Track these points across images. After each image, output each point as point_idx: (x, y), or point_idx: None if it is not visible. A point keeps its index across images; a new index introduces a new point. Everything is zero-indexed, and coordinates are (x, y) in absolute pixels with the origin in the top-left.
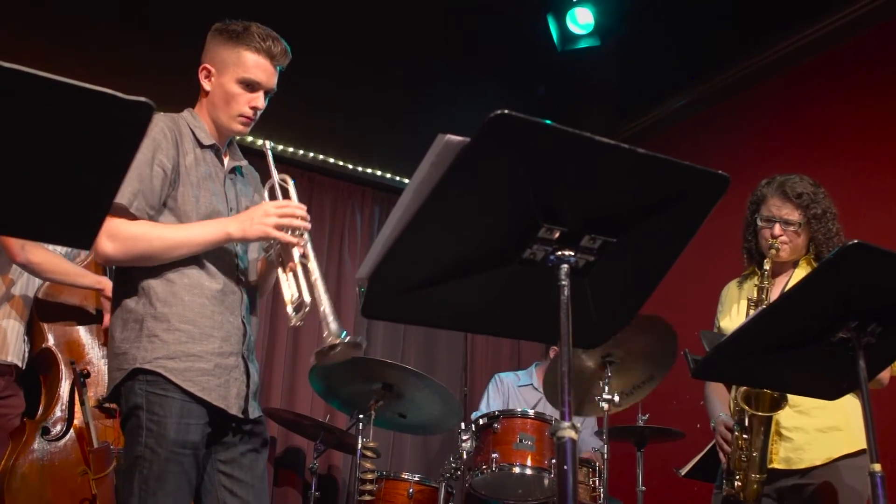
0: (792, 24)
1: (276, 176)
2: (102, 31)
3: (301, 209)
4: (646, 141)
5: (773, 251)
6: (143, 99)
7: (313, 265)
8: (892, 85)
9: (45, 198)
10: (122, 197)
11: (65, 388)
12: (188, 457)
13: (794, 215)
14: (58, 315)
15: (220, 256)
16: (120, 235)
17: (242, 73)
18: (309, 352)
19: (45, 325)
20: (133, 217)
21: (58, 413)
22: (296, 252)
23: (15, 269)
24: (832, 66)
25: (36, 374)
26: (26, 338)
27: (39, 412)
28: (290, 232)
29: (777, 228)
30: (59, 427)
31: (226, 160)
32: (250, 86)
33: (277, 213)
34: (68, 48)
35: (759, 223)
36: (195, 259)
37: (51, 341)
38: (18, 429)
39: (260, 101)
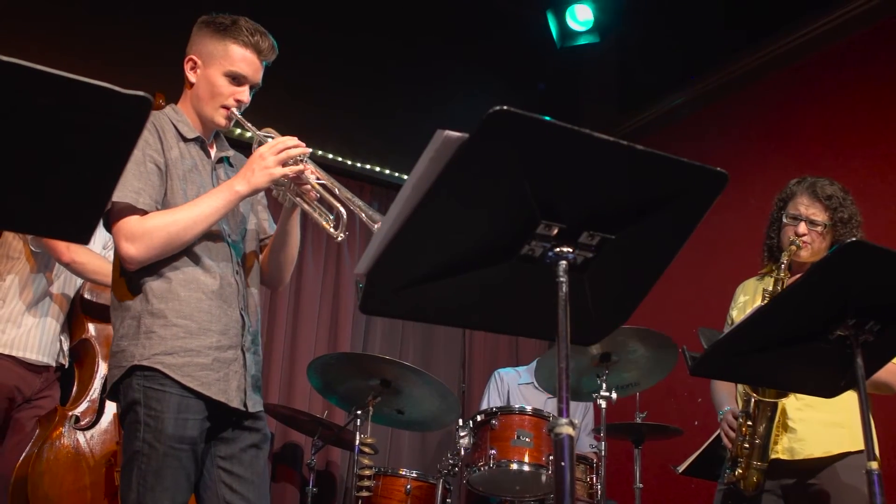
0: (792, 20)
1: (258, 133)
2: (100, 27)
3: (292, 139)
4: (645, 138)
5: (794, 247)
6: (140, 93)
7: (327, 178)
8: (892, 83)
9: (42, 192)
10: (127, 196)
11: (98, 379)
12: (186, 452)
13: (821, 216)
14: (99, 314)
15: (215, 249)
16: (137, 234)
17: (229, 67)
18: (306, 347)
19: (87, 319)
20: (143, 213)
21: (87, 403)
22: (309, 176)
23: (56, 268)
24: (832, 63)
25: (71, 366)
26: (62, 336)
27: (70, 401)
28: (292, 163)
29: (802, 227)
30: (88, 418)
31: (212, 151)
32: (236, 79)
33: (273, 152)
34: (67, 44)
35: (785, 220)
36: (190, 254)
37: (91, 332)
38: (49, 414)
39: (245, 95)
